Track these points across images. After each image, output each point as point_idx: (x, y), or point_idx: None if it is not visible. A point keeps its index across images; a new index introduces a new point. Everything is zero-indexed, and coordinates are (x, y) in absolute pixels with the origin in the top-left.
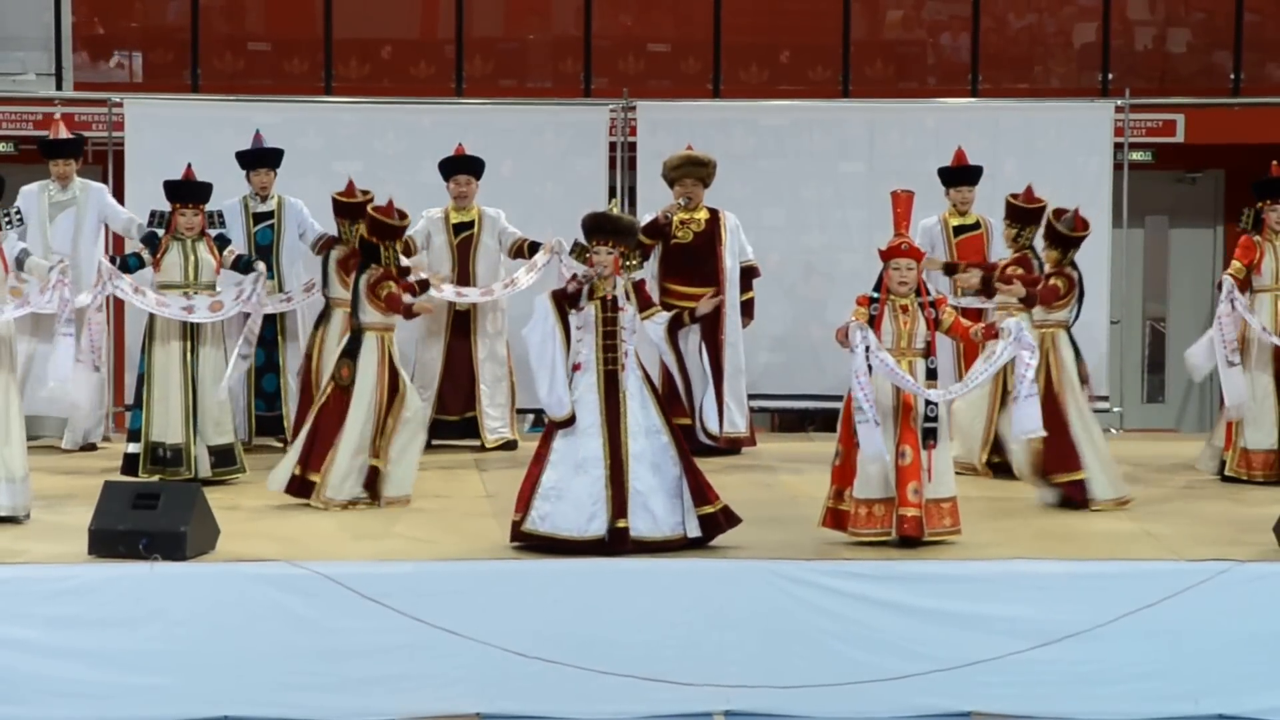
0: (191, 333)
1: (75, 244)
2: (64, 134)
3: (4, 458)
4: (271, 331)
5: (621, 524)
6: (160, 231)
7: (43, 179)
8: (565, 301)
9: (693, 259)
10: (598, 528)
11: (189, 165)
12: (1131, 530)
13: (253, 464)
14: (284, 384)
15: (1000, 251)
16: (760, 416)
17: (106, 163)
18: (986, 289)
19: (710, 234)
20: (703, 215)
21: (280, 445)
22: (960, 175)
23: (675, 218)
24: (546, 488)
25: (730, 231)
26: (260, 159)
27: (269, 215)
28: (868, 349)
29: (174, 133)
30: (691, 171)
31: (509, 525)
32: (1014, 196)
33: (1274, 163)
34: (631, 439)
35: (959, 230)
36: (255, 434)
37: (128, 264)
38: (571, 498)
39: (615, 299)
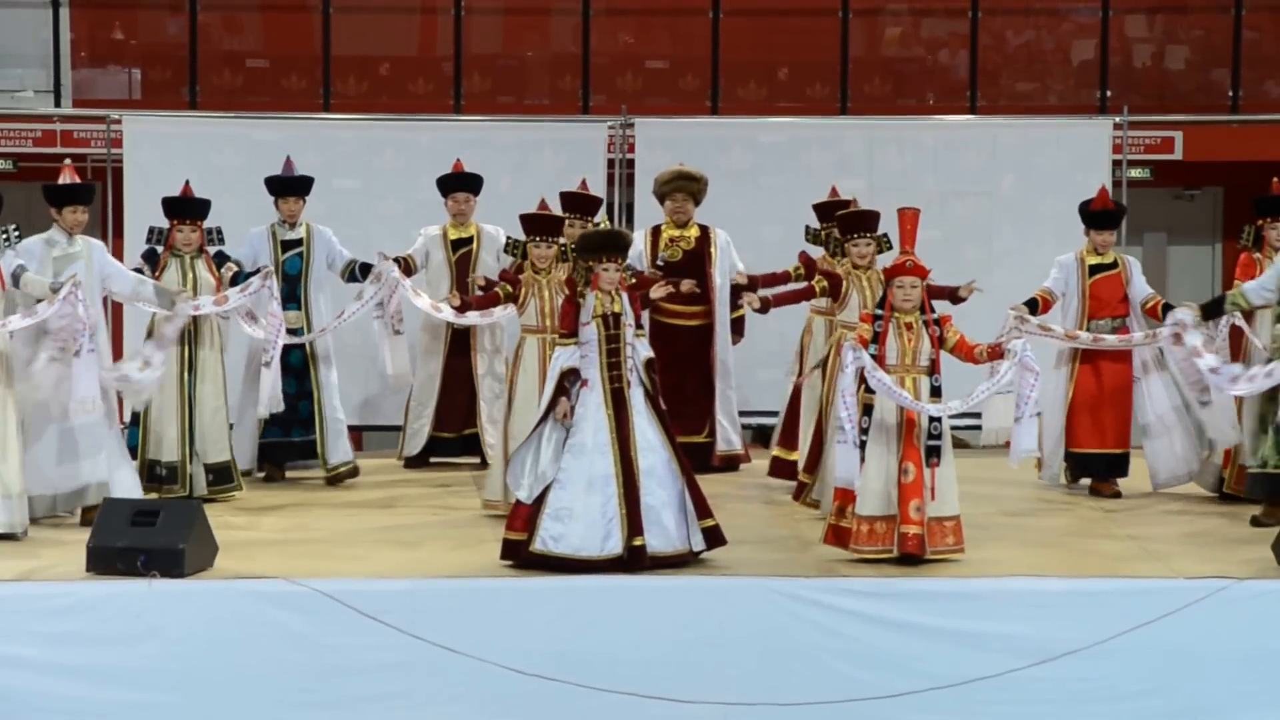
0: (189, 350)
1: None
2: (73, 179)
3: (1, 474)
4: (300, 357)
5: (638, 542)
6: (159, 248)
7: (39, 200)
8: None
9: (683, 277)
10: (614, 546)
11: (186, 182)
12: (1130, 548)
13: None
14: (318, 411)
15: (1141, 289)
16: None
17: (105, 179)
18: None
19: (700, 252)
20: (693, 233)
21: (323, 472)
22: (1104, 219)
23: (664, 235)
24: (557, 508)
25: (720, 249)
26: (288, 187)
27: (297, 243)
28: (862, 368)
29: (172, 149)
30: (682, 187)
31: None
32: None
33: (1275, 179)
34: (640, 455)
35: (1095, 269)
36: (267, 461)
37: None
38: (585, 517)
39: (619, 315)
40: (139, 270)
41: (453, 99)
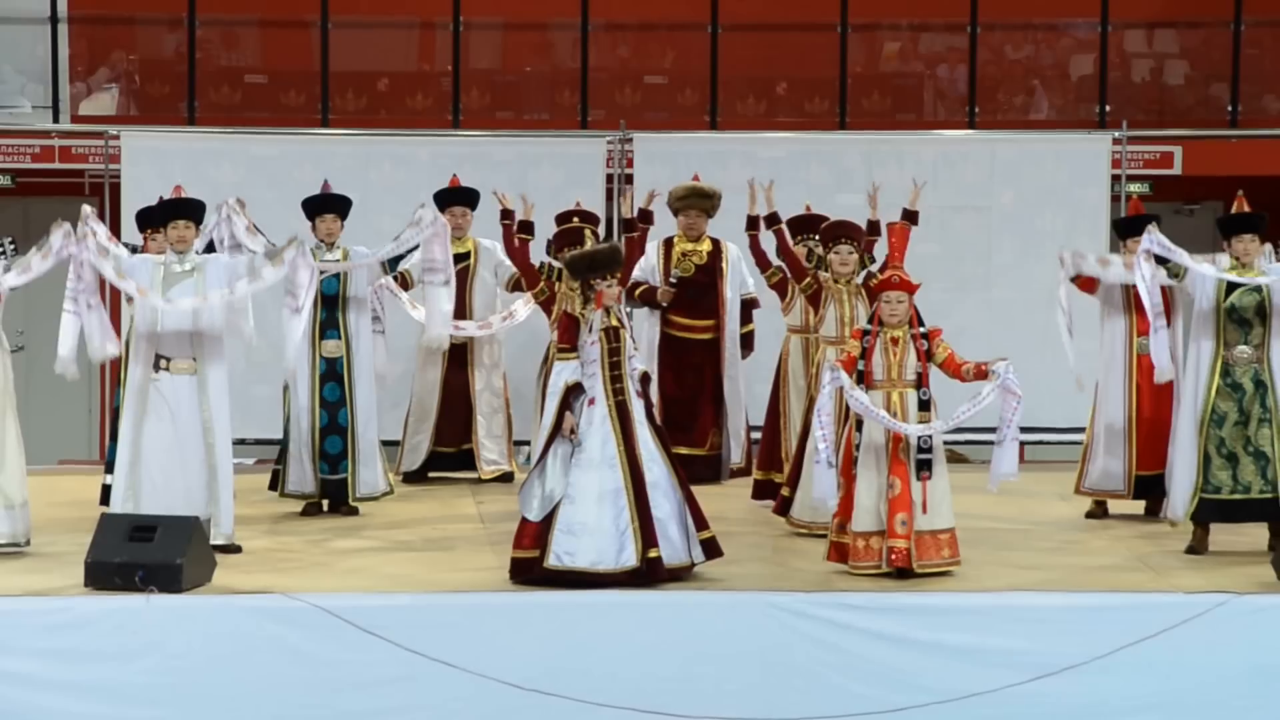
0: None
1: (196, 319)
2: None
3: (1, 484)
4: (337, 391)
5: (654, 554)
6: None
7: (37, 215)
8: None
9: (694, 291)
10: (628, 558)
11: (160, 198)
12: (1129, 562)
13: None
14: (352, 447)
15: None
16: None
17: (103, 195)
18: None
19: (711, 267)
20: (705, 247)
21: (348, 512)
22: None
23: (677, 249)
24: (569, 523)
25: (731, 263)
26: (325, 206)
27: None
28: (841, 389)
29: (170, 165)
30: (696, 203)
31: (508, 559)
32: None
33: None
34: (646, 468)
35: None
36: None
37: None
38: (598, 531)
39: (618, 329)
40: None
41: (451, 114)
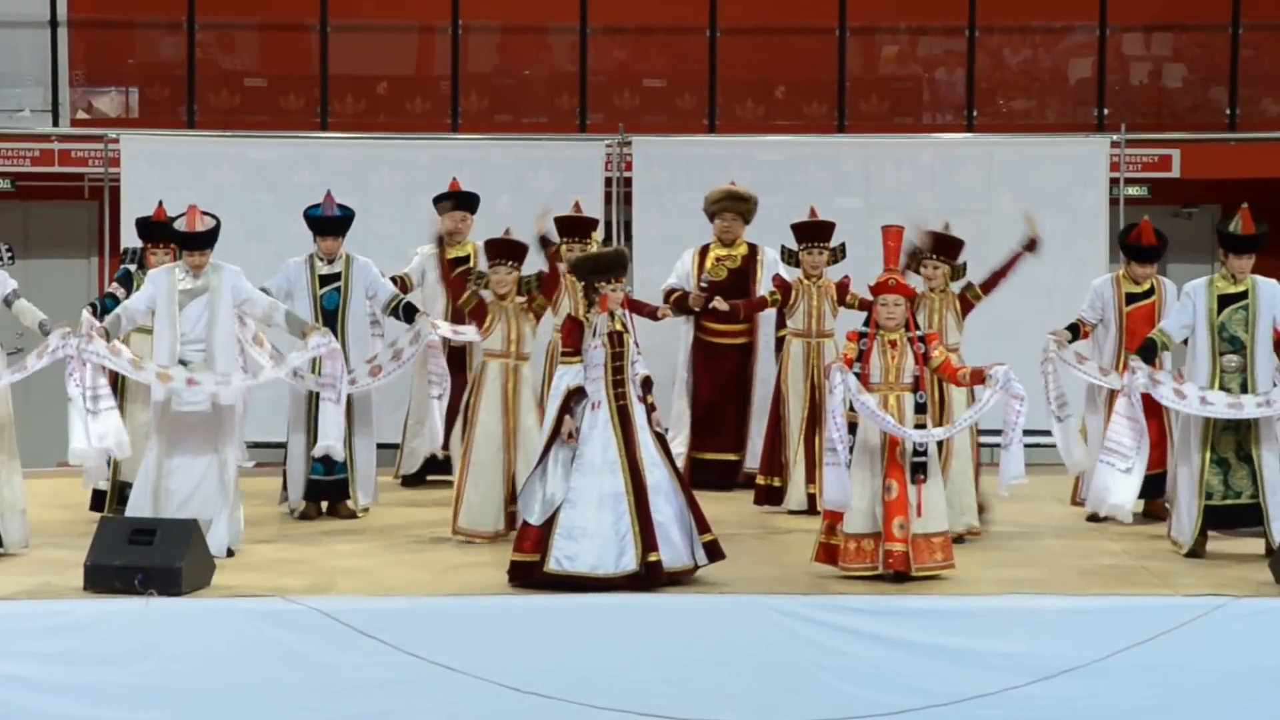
0: None
1: (210, 331)
2: (199, 226)
3: (3, 494)
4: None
5: (654, 557)
6: (133, 268)
7: (37, 218)
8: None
9: (727, 296)
10: (628, 563)
11: (160, 203)
12: (1127, 565)
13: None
14: (349, 452)
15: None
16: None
17: (103, 198)
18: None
19: (745, 270)
20: (740, 251)
21: (347, 515)
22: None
23: (712, 254)
24: (569, 527)
25: (766, 267)
26: (325, 228)
27: (335, 277)
28: (848, 390)
29: (170, 168)
30: (732, 206)
31: (506, 562)
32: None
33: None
34: (647, 472)
35: (1131, 298)
36: (307, 497)
37: (105, 305)
38: (598, 535)
39: (622, 333)
40: (114, 296)
41: (450, 118)
